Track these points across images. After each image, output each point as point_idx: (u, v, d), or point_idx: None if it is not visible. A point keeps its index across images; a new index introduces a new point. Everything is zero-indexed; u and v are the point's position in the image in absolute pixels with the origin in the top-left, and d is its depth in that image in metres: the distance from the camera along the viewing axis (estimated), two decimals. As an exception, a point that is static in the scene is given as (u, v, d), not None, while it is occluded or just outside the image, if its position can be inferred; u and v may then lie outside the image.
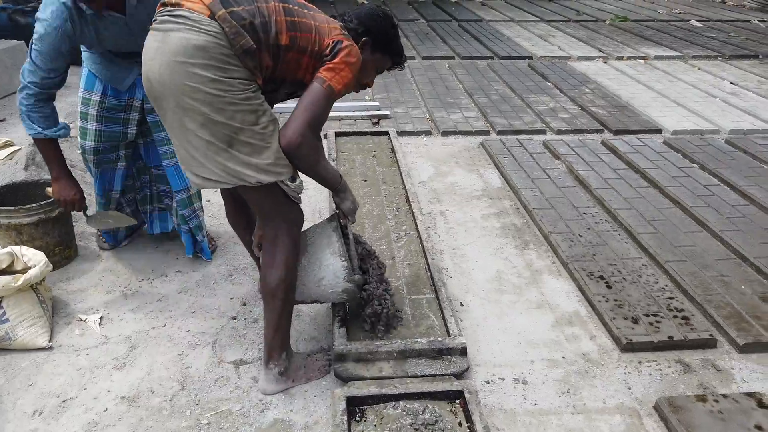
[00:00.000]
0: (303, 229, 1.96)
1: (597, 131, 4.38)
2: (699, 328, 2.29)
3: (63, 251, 2.64)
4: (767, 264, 2.67)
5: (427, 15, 8.39)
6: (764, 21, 8.51)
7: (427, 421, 1.82)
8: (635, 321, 2.32)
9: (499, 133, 4.33)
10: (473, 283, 2.65)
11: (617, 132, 4.33)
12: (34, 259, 2.30)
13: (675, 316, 2.35)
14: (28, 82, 2.09)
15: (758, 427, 1.85)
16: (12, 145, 3.65)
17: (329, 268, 1.99)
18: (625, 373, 2.13)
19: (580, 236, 2.92)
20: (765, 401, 1.94)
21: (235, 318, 2.38)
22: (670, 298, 2.46)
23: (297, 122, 1.68)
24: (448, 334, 2.17)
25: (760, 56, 6.52)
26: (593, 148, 4.02)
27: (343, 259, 1.99)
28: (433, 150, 4.08)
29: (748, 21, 8.49)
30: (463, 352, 2.10)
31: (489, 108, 4.75)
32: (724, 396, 1.97)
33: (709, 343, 2.24)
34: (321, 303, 2.15)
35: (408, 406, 1.87)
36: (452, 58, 6.34)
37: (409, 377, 2.00)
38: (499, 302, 2.52)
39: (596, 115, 4.60)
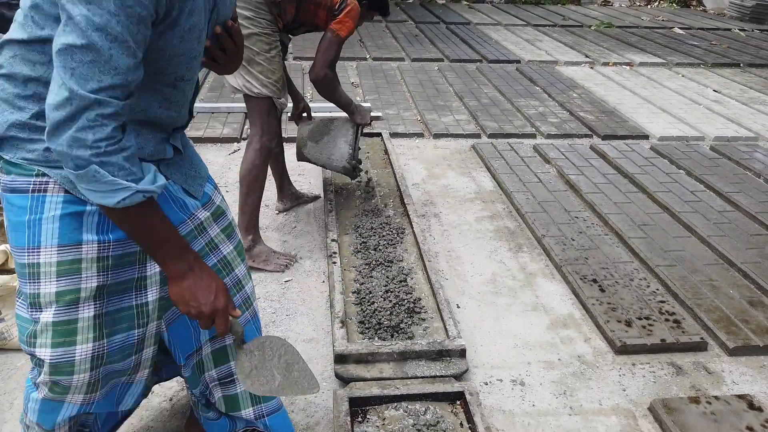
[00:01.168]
0: (333, 117, 3.07)
1: (586, 136, 4.45)
2: (690, 332, 2.34)
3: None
4: (754, 269, 2.74)
5: (415, 17, 8.42)
6: (744, 30, 8.70)
7: (429, 421, 1.84)
8: (629, 324, 2.37)
9: (490, 136, 4.38)
10: (469, 285, 2.68)
11: (605, 137, 4.41)
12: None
13: (667, 320, 2.40)
14: (101, 90, 0.97)
15: (750, 428, 1.90)
16: None
17: (340, 150, 2.91)
18: (620, 375, 2.18)
19: (573, 240, 2.97)
20: (755, 403, 2.00)
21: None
22: (662, 301, 2.52)
23: (320, 62, 2.50)
24: (447, 336, 2.19)
25: (742, 65, 6.67)
26: (582, 152, 4.08)
27: (351, 148, 2.91)
28: (425, 152, 4.10)
29: (729, 30, 8.67)
30: (462, 353, 2.13)
31: (479, 111, 4.79)
32: (716, 398, 2.02)
33: (700, 346, 2.30)
34: (326, 168, 3.07)
35: (410, 407, 1.89)
36: (441, 60, 6.38)
37: (410, 378, 2.02)
38: (495, 304, 2.55)
39: (584, 120, 4.67)
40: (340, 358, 2.06)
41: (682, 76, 6.15)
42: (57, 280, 1.14)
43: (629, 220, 3.17)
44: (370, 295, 2.40)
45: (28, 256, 1.15)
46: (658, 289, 2.61)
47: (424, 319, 2.31)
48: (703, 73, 6.33)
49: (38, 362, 1.22)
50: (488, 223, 3.23)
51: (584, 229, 3.09)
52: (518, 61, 6.39)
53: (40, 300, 1.16)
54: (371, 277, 2.54)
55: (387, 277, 2.53)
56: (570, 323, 2.45)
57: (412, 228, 2.93)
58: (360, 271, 2.58)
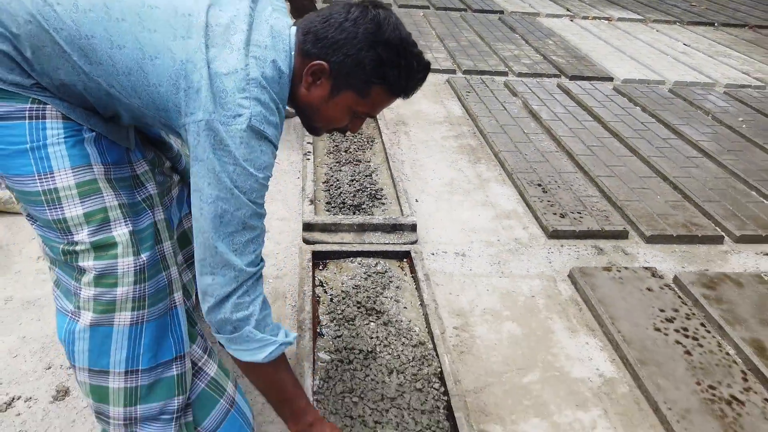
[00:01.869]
0: None
1: (554, 76, 4.73)
2: (615, 223, 2.69)
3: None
4: (683, 182, 3.08)
5: (406, -32, 8.55)
6: (727, -5, 8.91)
7: (379, 270, 2.18)
8: (563, 216, 2.71)
9: (465, 72, 4.65)
10: (429, 186, 3.00)
11: (572, 77, 4.70)
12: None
13: (596, 214, 2.74)
14: (253, 263, 1.16)
15: (649, 289, 2.26)
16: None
17: None
18: (549, 253, 2.53)
19: (526, 155, 3.29)
20: (658, 273, 2.36)
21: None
22: (595, 201, 2.86)
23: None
24: (402, 214, 2.52)
25: (716, 24, 6.93)
26: (549, 89, 4.38)
27: None
28: (402, 83, 4.38)
29: (712, -6, 8.87)
30: (413, 228, 2.46)
31: (458, 51, 5.05)
32: (626, 268, 2.38)
33: (621, 234, 2.65)
34: None
35: (363, 261, 2.23)
36: (427, 7, 6.59)
37: (366, 244, 2.36)
38: (450, 201, 2.88)
39: (555, 62, 4.95)
40: (308, 227, 2.39)
41: (657, 30, 6.42)
42: (81, 202, 1.14)
43: (580, 142, 3.50)
44: (338, 182, 2.72)
45: (40, 183, 1.12)
46: (594, 193, 2.94)
47: (383, 204, 2.64)
48: (677, 29, 6.59)
49: (80, 273, 1.19)
50: (453, 141, 3.54)
51: (538, 147, 3.41)
52: (501, 12, 6.61)
53: (69, 224, 1.15)
54: (340, 171, 2.86)
55: (354, 172, 2.85)
56: (512, 216, 2.79)
57: (382, 138, 3.24)
58: (331, 167, 2.90)
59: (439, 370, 1.75)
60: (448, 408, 1.64)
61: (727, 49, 5.90)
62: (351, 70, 1.14)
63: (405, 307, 2.03)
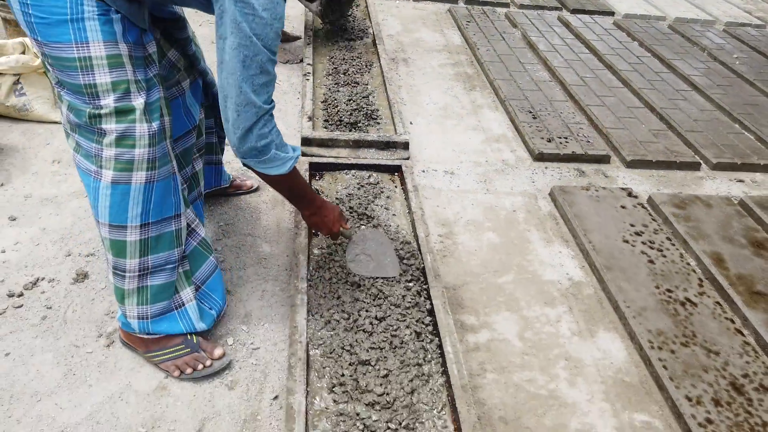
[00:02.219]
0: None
1: (556, 9, 4.74)
2: (598, 148, 2.82)
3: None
4: (669, 113, 3.19)
5: None
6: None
7: (371, 182, 2.33)
8: (549, 140, 2.84)
9: (467, 2, 4.66)
10: (424, 110, 3.12)
11: (574, 11, 4.70)
12: (45, 49, 2.65)
13: (581, 139, 2.87)
14: (267, 101, 1.38)
15: (623, 207, 2.42)
16: None
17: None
18: (533, 174, 2.67)
19: (520, 83, 3.39)
20: (633, 193, 2.51)
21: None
22: (581, 128, 2.98)
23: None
24: (396, 132, 2.65)
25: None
26: (549, 21, 4.41)
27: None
28: (403, 12, 4.41)
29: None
30: (405, 146, 2.60)
31: (461, -19, 5.02)
32: (604, 188, 2.53)
33: (604, 159, 2.79)
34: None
35: (357, 173, 2.38)
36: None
37: (361, 159, 2.50)
38: (443, 124, 3.00)
39: (558, -5, 4.94)
40: (306, 141, 2.53)
41: (665, -33, 6.31)
42: (110, 72, 1.31)
43: (574, 73, 3.58)
44: (336, 101, 2.84)
45: (76, 50, 1.27)
46: (582, 121, 3.06)
47: (378, 123, 2.77)
48: (686, -34, 6.48)
49: (101, 136, 1.36)
50: (450, 68, 3.62)
51: (533, 76, 3.50)
52: (508, -57, 6.48)
53: (98, 89, 1.31)
54: (338, 92, 2.97)
55: (352, 92, 2.96)
56: (502, 140, 2.92)
57: (380, 63, 3.32)
58: (329, 88, 3.01)
59: (422, 266, 1.93)
60: (429, 298, 1.83)
61: (734, -13, 5.84)
62: None
63: (394, 215, 2.20)
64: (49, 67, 1.35)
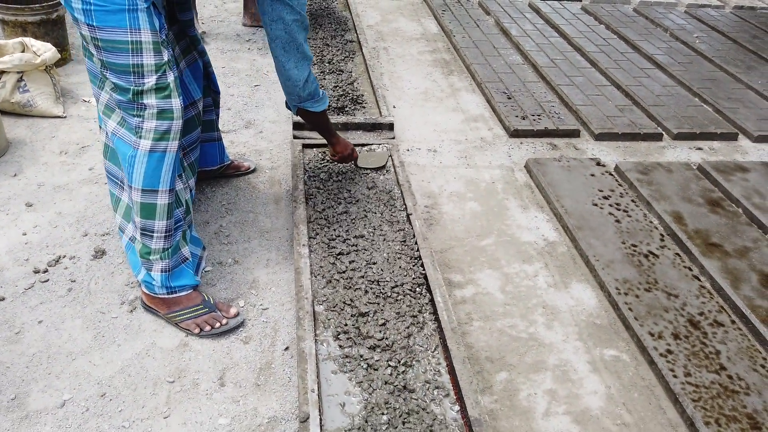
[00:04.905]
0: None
1: (526, -4, 4.95)
2: (569, 123, 3.04)
3: (60, 52, 3.12)
4: (634, 90, 3.42)
5: None
6: None
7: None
8: (523, 118, 3.05)
9: (441, -8, 4.85)
10: (405, 94, 3.31)
11: (544, -2, 4.92)
12: (43, 48, 2.79)
13: (553, 116, 3.09)
14: (309, 63, 1.94)
15: (592, 175, 2.64)
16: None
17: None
18: (509, 149, 2.88)
19: (495, 67, 3.59)
20: (602, 163, 2.73)
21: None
22: (553, 106, 3.20)
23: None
24: (381, 115, 2.84)
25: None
26: (520, 8, 4.62)
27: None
28: (381, 3, 4.59)
29: None
30: (390, 127, 2.79)
31: (435, -28, 5.21)
32: (575, 159, 2.75)
33: (574, 133, 3.01)
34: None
35: (347, 152, 2.57)
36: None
37: (349, 140, 2.68)
38: (424, 107, 3.20)
39: (529, -17, 5.15)
40: (297, 126, 2.70)
41: (630, -47, 6.56)
42: (154, 55, 1.54)
43: (545, 55, 3.79)
44: (323, 88, 3.01)
45: (130, 34, 1.50)
46: (553, 99, 3.28)
47: (364, 107, 2.95)
48: (650, -49, 6.74)
49: (141, 110, 1.58)
50: (428, 55, 3.82)
51: (507, 60, 3.70)
52: (479, -67, 6.68)
53: (144, 69, 1.53)
54: (324, 79, 3.15)
55: (338, 80, 3.14)
56: (479, 119, 3.12)
57: (362, 52, 3.51)
58: (316, 76, 3.17)
59: (412, 232, 2.13)
60: (419, 258, 2.02)
61: (695, -30, 6.10)
62: None
63: (382, 190, 2.39)
64: (94, 50, 1.54)
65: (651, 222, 2.39)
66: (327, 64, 3.31)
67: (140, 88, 1.55)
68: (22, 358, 1.65)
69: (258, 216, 2.27)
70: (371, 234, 2.11)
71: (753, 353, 1.85)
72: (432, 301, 1.85)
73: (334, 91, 3.02)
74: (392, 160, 2.52)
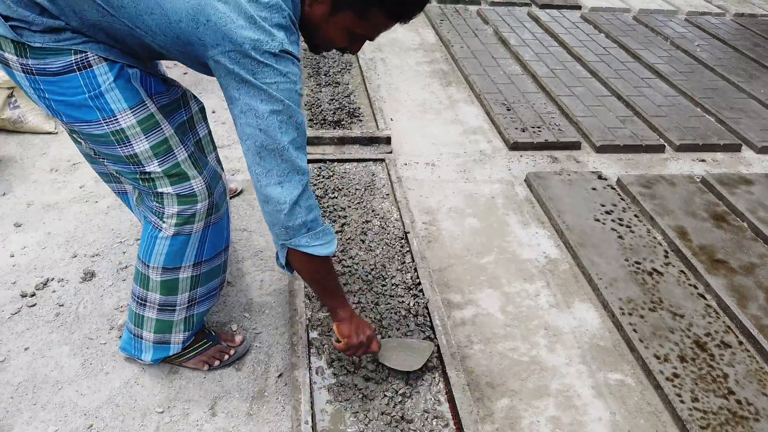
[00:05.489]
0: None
1: (525, 5, 4.92)
2: (569, 135, 2.99)
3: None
4: (635, 100, 3.37)
5: None
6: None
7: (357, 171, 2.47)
8: (523, 130, 3.00)
9: (439, 1, 4.82)
10: (403, 106, 3.26)
11: (543, 6, 4.89)
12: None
13: (553, 128, 3.04)
14: (304, 179, 1.24)
15: (594, 189, 2.59)
16: None
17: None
18: (509, 162, 2.83)
19: (494, 78, 3.55)
20: (603, 176, 2.68)
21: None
22: (553, 117, 3.15)
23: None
24: (378, 128, 2.79)
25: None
26: (519, 17, 4.58)
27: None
28: (378, 13, 4.55)
29: None
30: (388, 141, 2.74)
31: (433, -19, 5.18)
32: (576, 172, 2.70)
33: (574, 145, 2.96)
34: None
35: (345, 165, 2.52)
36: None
37: (346, 154, 2.64)
38: (422, 119, 3.15)
39: (527, -9, 5.12)
40: (293, 141, 2.65)
41: (628, -40, 6.54)
42: (146, 137, 1.26)
43: (545, 65, 3.75)
44: (319, 101, 2.97)
45: (107, 125, 1.23)
46: (553, 111, 3.23)
47: (361, 120, 2.91)
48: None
49: (159, 198, 1.36)
50: (426, 66, 3.77)
51: (505, 70, 3.66)
52: (477, -58, 6.66)
53: (140, 158, 1.28)
54: (321, 92, 3.11)
55: (334, 92, 3.10)
56: (479, 132, 3.07)
57: (359, 63, 3.46)
58: (312, 89, 3.14)
59: (410, 250, 2.08)
60: (418, 279, 1.97)
61: (694, -23, 6.08)
62: None
63: (381, 206, 2.34)
64: (81, 140, 1.34)
65: (654, 238, 2.33)
66: (323, 77, 3.27)
67: (146, 176, 1.32)
68: (7, 387, 1.59)
69: (252, 234, 2.22)
70: (367, 253, 2.06)
71: (762, 376, 1.79)
72: (431, 324, 1.80)
73: (330, 104, 2.98)
74: (390, 176, 2.47)
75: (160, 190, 1.34)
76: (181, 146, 1.34)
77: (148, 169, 1.31)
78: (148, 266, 1.45)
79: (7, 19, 1.12)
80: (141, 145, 1.28)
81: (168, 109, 1.39)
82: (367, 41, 1.32)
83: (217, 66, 1.14)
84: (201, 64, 1.20)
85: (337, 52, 1.37)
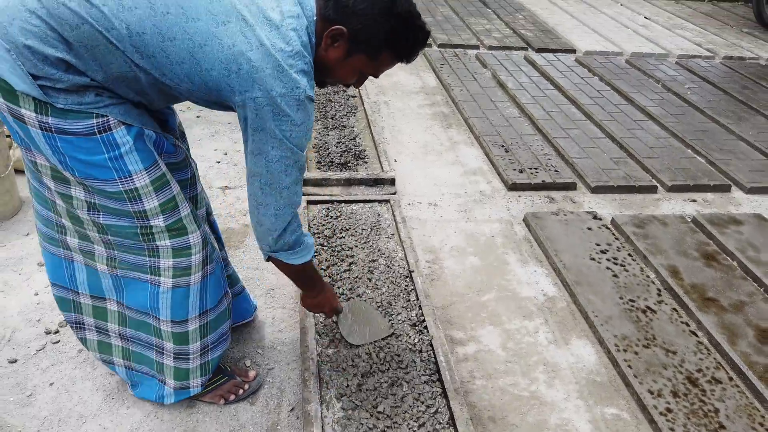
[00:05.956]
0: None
1: (522, 49, 5.12)
2: (565, 176, 3.13)
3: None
4: (628, 142, 3.52)
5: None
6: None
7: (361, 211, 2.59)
8: (521, 171, 3.14)
9: (440, 46, 5.02)
10: (406, 148, 3.41)
11: (539, 50, 5.09)
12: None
13: (550, 169, 3.18)
14: (295, 209, 1.41)
15: (589, 228, 2.70)
16: None
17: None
18: (508, 202, 2.96)
19: (492, 120, 3.70)
20: (598, 216, 2.80)
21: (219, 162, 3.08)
22: (549, 159, 3.29)
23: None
24: (382, 170, 2.93)
25: (678, -2, 7.34)
26: (516, 61, 4.78)
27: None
28: (381, 57, 4.75)
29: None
30: (392, 182, 2.87)
31: (433, 26, 5.41)
32: (572, 212, 2.82)
33: (570, 186, 3.09)
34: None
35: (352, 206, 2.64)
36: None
37: (352, 195, 2.76)
38: (424, 161, 3.29)
39: (524, 36, 5.34)
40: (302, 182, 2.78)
41: (621, 4, 6.81)
42: (156, 195, 1.36)
43: (541, 108, 3.91)
44: (326, 144, 3.11)
45: (122, 184, 1.31)
46: (549, 152, 3.37)
47: (366, 162, 3.05)
48: (639, 3, 6.99)
49: (154, 251, 1.44)
50: (428, 108, 3.94)
51: (504, 113, 3.82)
52: (475, -13, 6.93)
53: (148, 213, 1.37)
54: (327, 135, 3.25)
55: (341, 135, 3.25)
56: (478, 173, 3.21)
57: (364, 106, 3.62)
58: (319, 132, 3.29)
59: (414, 288, 2.18)
60: (422, 316, 2.07)
61: (684, 21, 6.33)
62: (366, 37, 1.28)
63: (386, 245, 2.45)
64: (78, 192, 1.36)
65: (648, 276, 2.44)
66: (330, 120, 3.42)
67: (148, 231, 1.39)
68: (34, 421, 1.68)
69: (264, 273, 2.33)
70: (373, 291, 2.16)
71: (751, 411, 1.87)
72: (435, 359, 1.89)
73: (337, 147, 3.12)
74: (395, 216, 2.59)
75: (158, 243, 1.42)
76: (185, 203, 1.44)
77: (152, 224, 1.38)
78: (158, 319, 1.55)
79: (34, 77, 1.17)
80: (151, 203, 1.36)
81: (174, 168, 1.49)
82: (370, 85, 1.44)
83: (240, 109, 1.24)
84: (222, 106, 1.32)
85: (350, 95, 1.49)
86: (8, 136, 2.62)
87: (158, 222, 1.38)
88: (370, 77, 1.43)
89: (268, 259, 1.50)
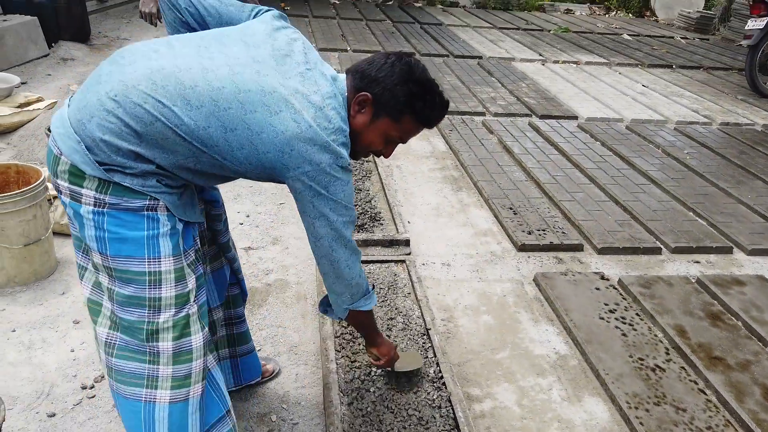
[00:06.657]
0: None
1: (526, 115, 5.37)
2: (572, 238, 3.26)
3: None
4: (631, 205, 3.68)
5: (393, 17, 9.32)
6: (686, 38, 9.77)
7: (382, 273, 2.72)
8: (529, 233, 3.28)
9: (447, 113, 5.27)
10: (418, 210, 3.57)
11: (542, 116, 5.34)
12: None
13: (557, 231, 3.32)
14: (359, 257, 1.58)
15: (597, 288, 2.81)
16: (43, 100, 4.37)
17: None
18: (518, 263, 3.08)
19: (500, 183, 3.88)
20: (606, 276, 2.92)
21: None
22: (557, 221, 3.44)
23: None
24: (398, 231, 3.07)
25: (674, 66, 7.69)
26: (521, 127, 5.01)
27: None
28: (393, 123, 4.99)
29: (672, 37, 9.73)
30: (407, 243, 3.01)
31: (441, 94, 5.69)
32: (580, 273, 2.94)
33: (577, 247, 3.22)
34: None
35: (366, 268, 2.77)
36: (413, 54, 7.27)
37: (369, 256, 2.90)
38: (436, 222, 3.44)
39: (527, 103, 5.60)
40: (321, 243, 2.93)
41: (619, 73, 7.15)
42: (174, 285, 1.37)
43: (546, 172, 4.10)
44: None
45: (148, 264, 1.34)
46: (556, 215, 3.52)
47: (382, 224, 3.20)
48: (638, 71, 7.33)
49: (155, 356, 1.39)
50: (438, 172, 4.13)
51: (511, 177, 4.00)
52: (480, 57, 7.31)
53: (162, 303, 1.36)
54: (345, 198, 3.42)
55: (357, 198, 3.41)
56: (488, 234, 3.35)
57: (378, 171, 3.81)
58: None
59: (431, 346, 2.28)
60: (439, 370, 2.16)
61: (681, 89, 6.62)
62: (388, 100, 1.44)
63: (404, 303, 2.57)
64: (105, 278, 1.38)
65: (656, 335, 2.53)
66: (346, 184, 3.60)
67: (155, 327, 1.38)
68: (71, 473, 1.76)
69: (287, 330, 2.43)
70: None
71: (762, 468, 1.93)
72: (454, 415, 1.97)
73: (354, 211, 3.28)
74: (410, 276, 2.71)
75: (160, 344, 1.38)
76: (195, 300, 1.45)
77: (161, 318, 1.38)
78: None
79: (101, 164, 1.28)
80: (169, 291, 1.38)
81: (194, 263, 1.49)
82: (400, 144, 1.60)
83: (294, 183, 1.38)
84: (271, 180, 1.45)
85: (374, 155, 1.66)
86: (50, 200, 2.80)
87: (168, 315, 1.38)
88: (400, 145, 1.59)
89: (346, 316, 1.67)
